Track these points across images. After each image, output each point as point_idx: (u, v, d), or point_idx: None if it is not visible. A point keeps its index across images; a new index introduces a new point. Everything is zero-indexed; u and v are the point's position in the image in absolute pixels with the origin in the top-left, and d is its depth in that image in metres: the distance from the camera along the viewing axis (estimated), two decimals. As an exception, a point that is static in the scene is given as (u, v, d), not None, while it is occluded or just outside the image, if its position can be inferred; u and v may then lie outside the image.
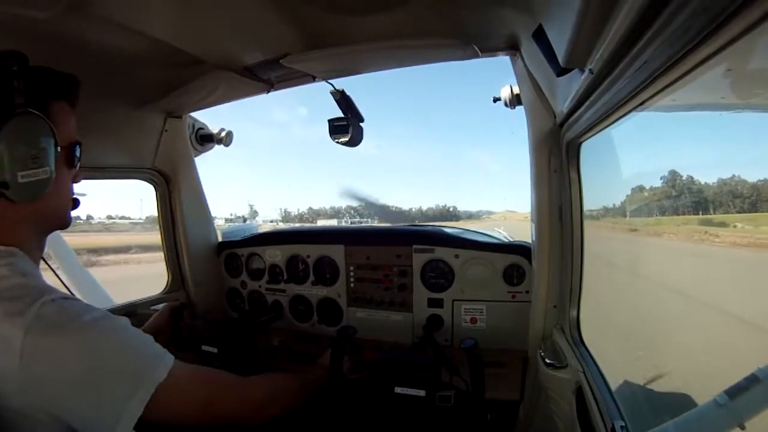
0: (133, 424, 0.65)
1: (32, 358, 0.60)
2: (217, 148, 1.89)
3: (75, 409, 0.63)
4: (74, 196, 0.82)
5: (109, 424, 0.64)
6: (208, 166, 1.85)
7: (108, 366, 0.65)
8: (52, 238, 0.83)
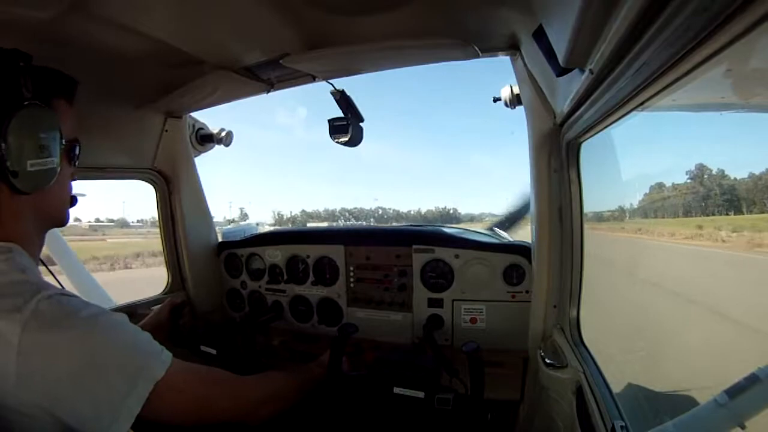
0: (131, 421, 0.65)
1: (29, 354, 0.60)
2: (216, 149, 1.89)
3: (72, 405, 0.63)
4: (72, 194, 0.83)
5: (107, 421, 0.64)
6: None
7: (105, 362, 0.65)
8: (51, 239, 0.83)
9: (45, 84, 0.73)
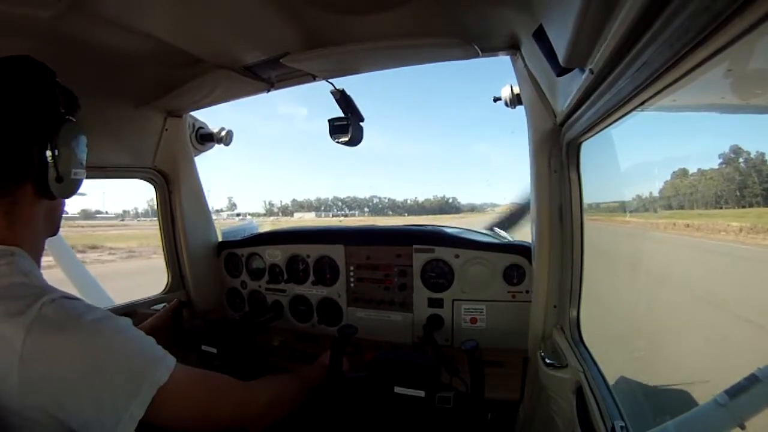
0: (134, 426, 0.65)
1: (33, 358, 0.59)
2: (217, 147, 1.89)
3: (75, 409, 0.62)
4: None
5: (110, 425, 0.63)
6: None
7: (109, 367, 0.65)
8: (51, 238, 0.83)
9: (68, 99, 0.76)
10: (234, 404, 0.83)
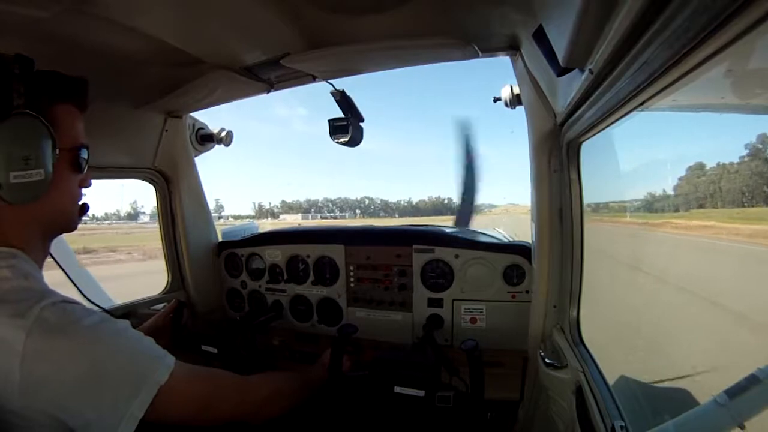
0: (134, 426, 0.66)
1: (34, 361, 0.60)
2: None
3: (76, 411, 0.63)
4: (82, 201, 0.83)
5: (111, 426, 0.64)
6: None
7: (109, 368, 0.66)
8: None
9: (46, 89, 0.71)
10: (234, 399, 0.84)
